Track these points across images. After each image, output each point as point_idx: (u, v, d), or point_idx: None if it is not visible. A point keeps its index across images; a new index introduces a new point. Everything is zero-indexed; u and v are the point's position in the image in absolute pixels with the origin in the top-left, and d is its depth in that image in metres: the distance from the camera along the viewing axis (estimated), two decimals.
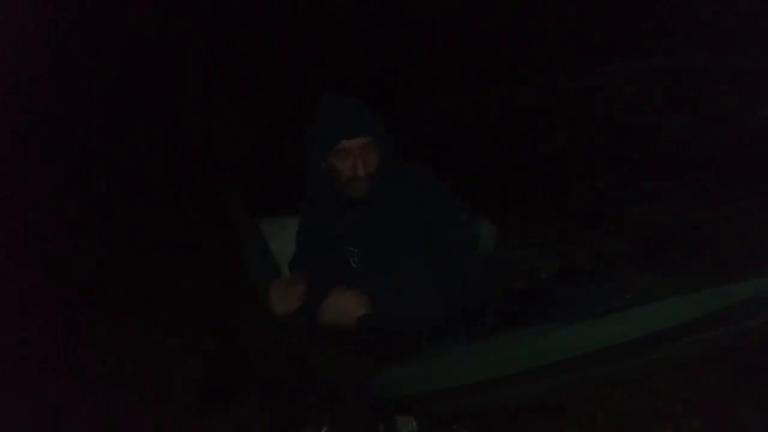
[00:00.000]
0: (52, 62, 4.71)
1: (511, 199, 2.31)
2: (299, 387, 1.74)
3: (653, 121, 2.31)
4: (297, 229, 1.97)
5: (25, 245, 3.28)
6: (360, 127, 1.73)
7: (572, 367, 1.49)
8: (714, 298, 1.30)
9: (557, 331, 1.43)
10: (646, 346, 1.42)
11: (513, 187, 2.37)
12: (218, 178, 2.35)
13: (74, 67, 4.72)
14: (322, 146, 1.76)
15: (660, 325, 1.35)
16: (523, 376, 1.51)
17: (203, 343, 2.53)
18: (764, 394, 1.97)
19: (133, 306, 2.77)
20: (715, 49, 2.29)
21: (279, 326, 1.74)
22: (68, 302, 2.81)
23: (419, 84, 4.27)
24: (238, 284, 2.09)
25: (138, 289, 2.87)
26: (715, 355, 1.97)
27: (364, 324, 1.69)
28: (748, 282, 1.28)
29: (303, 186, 1.90)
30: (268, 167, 2.47)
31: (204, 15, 5.19)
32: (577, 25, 4.38)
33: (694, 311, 1.32)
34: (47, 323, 2.69)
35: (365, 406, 1.67)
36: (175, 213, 3.42)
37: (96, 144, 4.11)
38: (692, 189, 1.91)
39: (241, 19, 5.27)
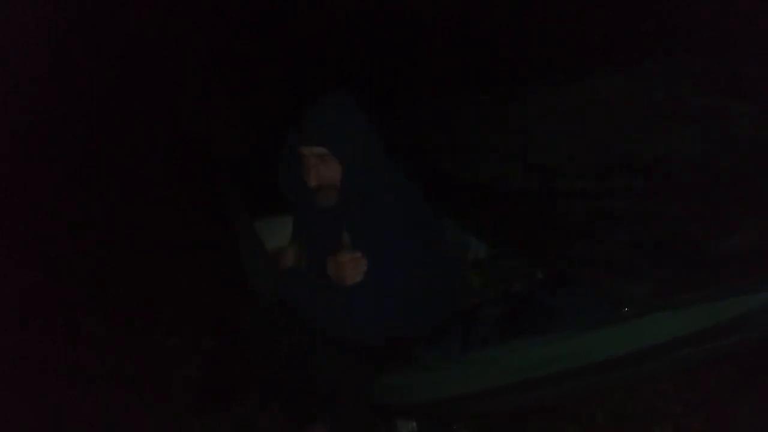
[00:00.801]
0: (52, 62, 4.71)
1: (500, 210, 2.28)
2: (299, 387, 1.74)
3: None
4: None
5: (25, 245, 3.27)
6: (311, 137, 1.67)
7: (571, 377, 1.49)
8: (710, 313, 1.29)
9: (555, 341, 1.43)
10: (645, 358, 1.42)
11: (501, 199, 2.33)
12: (218, 178, 2.35)
13: (74, 67, 4.72)
14: (288, 146, 1.76)
15: (658, 337, 1.35)
16: (519, 387, 1.50)
17: (203, 343, 2.53)
18: (764, 394, 1.97)
19: (133, 306, 2.77)
20: (715, 49, 2.29)
21: (279, 326, 1.74)
22: (68, 302, 2.81)
23: (419, 84, 4.27)
24: (238, 284, 2.09)
25: (138, 289, 2.88)
26: (716, 358, 1.96)
27: (354, 335, 1.69)
28: (744, 297, 1.27)
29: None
30: (268, 167, 2.47)
31: (204, 15, 5.19)
32: (577, 26, 4.38)
33: (690, 325, 1.31)
34: (47, 323, 2.68)
35: (364, 407, 1.67)
36: (175, 213, 3.42)
37: (96, 144, 4.11)
38: (686, 203, 1.90)
39: (241, 19, 5.27)
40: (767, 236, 1.59)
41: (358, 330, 1.68)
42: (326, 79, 4.25)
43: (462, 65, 4.46)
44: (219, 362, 2.42)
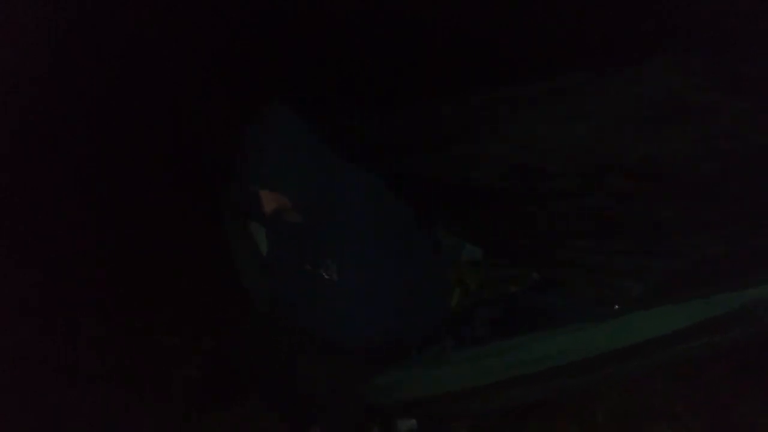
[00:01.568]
0: (52, 62, 4.71)
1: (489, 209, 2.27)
2: (294, 389, 1.75)
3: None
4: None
5: (25, 245, 3.27)
6: (261, 179, 1.60)
7: (567, 374, 1.49)
8: (702, 308, 1.30)
9: (549, 338, 1.44)
10: (638, 354, 1.42)
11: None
12: (218, 178, 2.35)
13: (74, 67, 4.72)
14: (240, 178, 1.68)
15: (651, 332, 1.36)
16: (517, 383, 1.51)
17: (203, 343, 2.53)
18: (764, 394, 1.97)
19: (133, 306, 2.77)
20: (715, 48, 2.29)
21: (272, 328, 1.74)
22: (68, 302, 2.81)
23: (419, 84, 4.27)
24: (238, 284, 2.09)
25: (138, 289, 2.87)
26: (715, 355, 1.97)
27: (350, 337, 1.69)
28: (738, 292, 1.28)
29: None
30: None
31: (204, 15, 5.18)
32: (576, 25, 4.37)
33: (684, 320, 1.32)
34: (47, 323, 2.68)
35: (357, 407, 1.67)
36: (175, 213, 3.42)
37: (96, 144, 4.10)
38: (681, 198, 1.89)
39: (241, 19, 5.27)
40: (759, 235, 1.59)
41: (346, 331, 1.68)
42: (326, 79, 4.26)
43: (460, 65, 4.46)
44: (219, 362, 2.42)
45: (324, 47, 4.89)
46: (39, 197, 3.65)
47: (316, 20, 5.15)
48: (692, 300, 1.32)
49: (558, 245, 1.95)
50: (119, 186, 3.75)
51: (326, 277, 1.74)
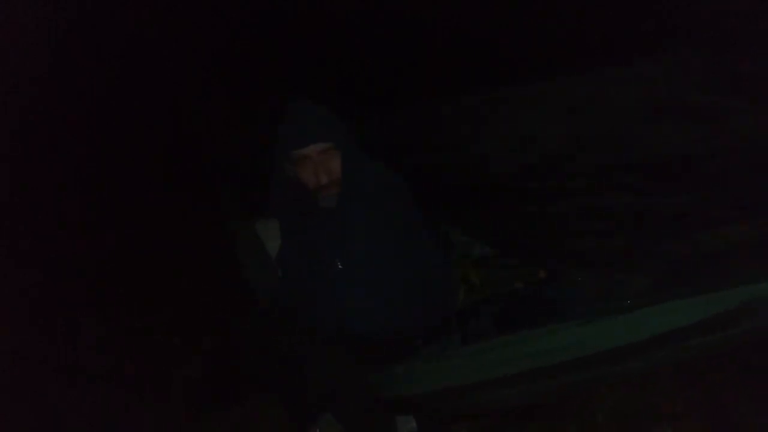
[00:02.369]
0: (52, 62, 4.71)
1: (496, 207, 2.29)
2: (300, 386, 1.75)
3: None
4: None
5: (25, 245, 3.27)
6: (314, 135, 1.72)
7: (572, 369, 1.49)
8: (711, 303, 1.30)
9: (556, 333, 1.44)
10: (647, 349, 1.42)
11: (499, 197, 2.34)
12: (218, 178, 2.35)
13: (74, 67, 4.72)
14: (281, 155, 1.77)
15: (660, 328, 1.36)
16: (521, 378, 1.51)
17: (203, 343, 2.53)
18: (764, 394, 1.97)
19: (133, 306, 2.77)
20: (715, 48, 2.29)
21: (278, 325, 1.74)
22: (68, 302, 2.81)
23: (419, 84, 4.27)
24: (238, 284, 2.09)
25: (138, 289, 2.88)
26: (716, 355, 1.97)
27: (356, 331, 1.70)
28: (744, 287, 1.28)
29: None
30: (267, 167, 2.47)
31: (204, 15, 5.18)
32: (576, 25, 4.37)
33: (685, 319, 1.32)
34: (47, 323, 2.68)
35: (367, 400, 1.67)
36: (175, 213, 3.42)
37: (96, 144, 4.10)
38: (684, 192, 1.90)
39: (241, 19, 5.27)
40: (762, 231, 1.60)
41: (353, 324, 1.69)
42: (326, 80, 4.27)
43: (460, 65, 4.46)
44: (219, 362, 2.42)
45: (324, 47, 4.89)
46: (39, 197, 3.65)
47: (316, 20, 5.15)
48: (693, 297, 1.32)
49: (561, 243, 1.96)
50: (119, 186, 3.75)
51: (338, 267, 1.79)
